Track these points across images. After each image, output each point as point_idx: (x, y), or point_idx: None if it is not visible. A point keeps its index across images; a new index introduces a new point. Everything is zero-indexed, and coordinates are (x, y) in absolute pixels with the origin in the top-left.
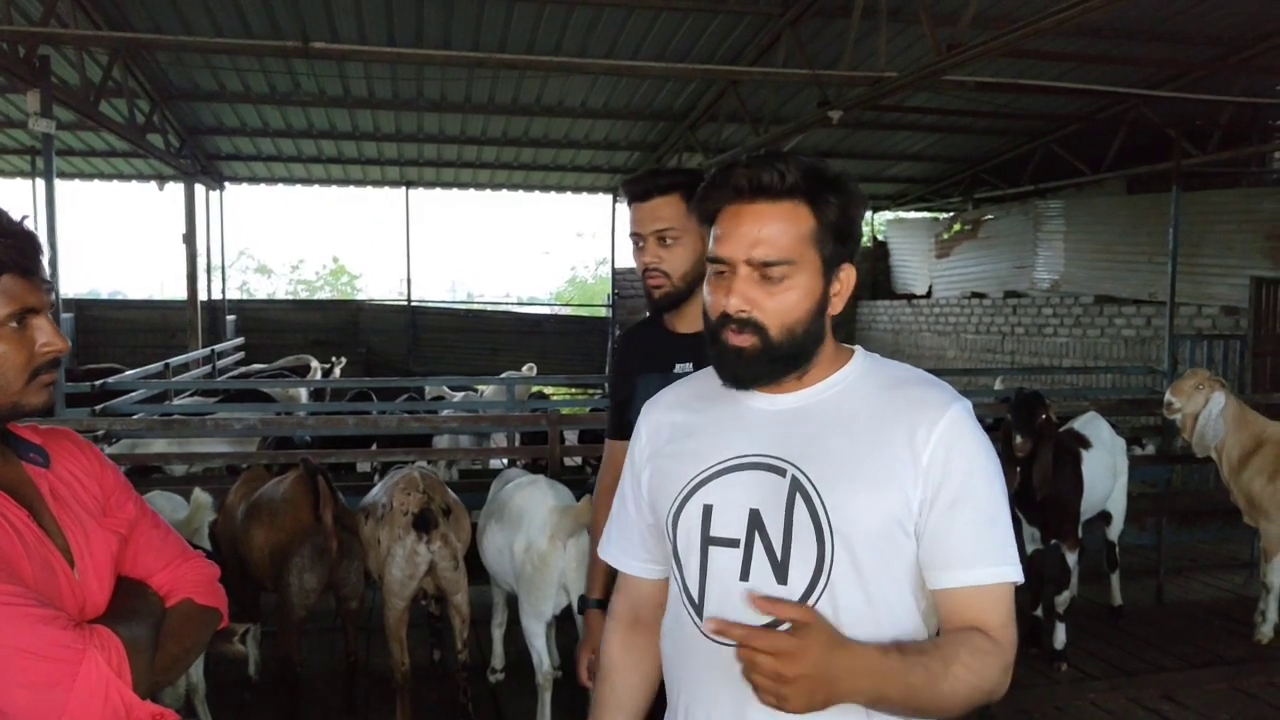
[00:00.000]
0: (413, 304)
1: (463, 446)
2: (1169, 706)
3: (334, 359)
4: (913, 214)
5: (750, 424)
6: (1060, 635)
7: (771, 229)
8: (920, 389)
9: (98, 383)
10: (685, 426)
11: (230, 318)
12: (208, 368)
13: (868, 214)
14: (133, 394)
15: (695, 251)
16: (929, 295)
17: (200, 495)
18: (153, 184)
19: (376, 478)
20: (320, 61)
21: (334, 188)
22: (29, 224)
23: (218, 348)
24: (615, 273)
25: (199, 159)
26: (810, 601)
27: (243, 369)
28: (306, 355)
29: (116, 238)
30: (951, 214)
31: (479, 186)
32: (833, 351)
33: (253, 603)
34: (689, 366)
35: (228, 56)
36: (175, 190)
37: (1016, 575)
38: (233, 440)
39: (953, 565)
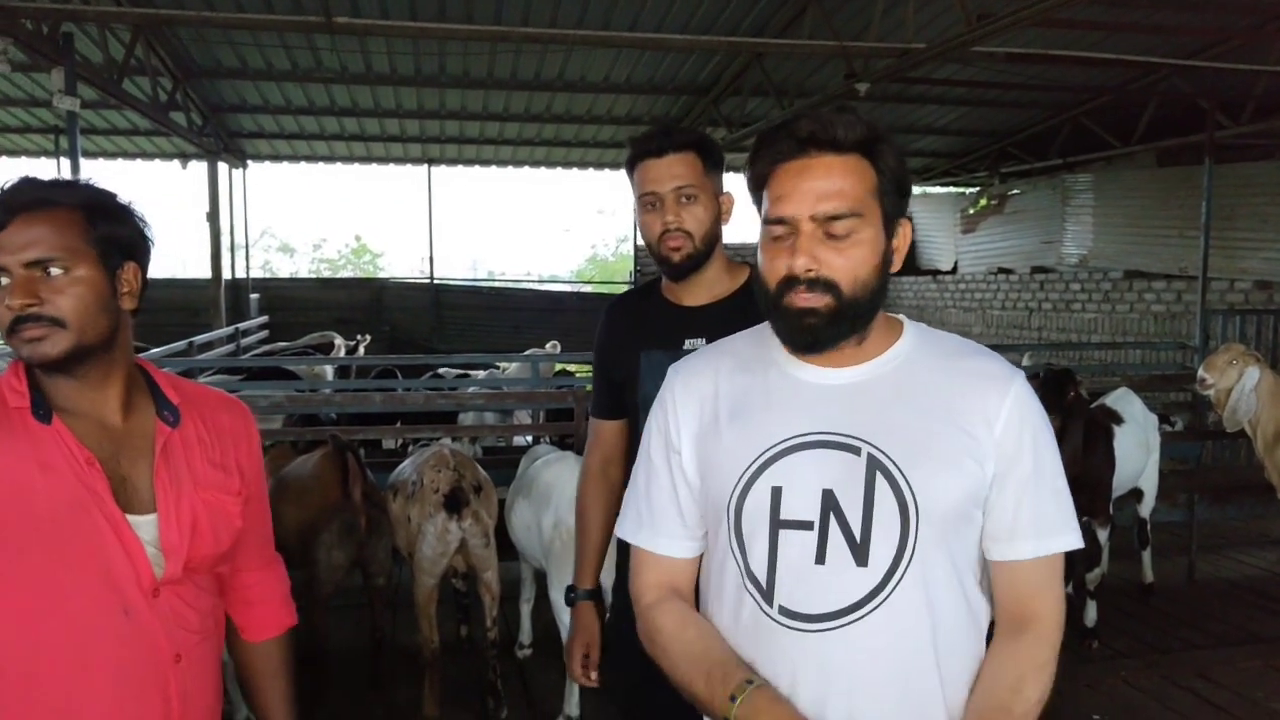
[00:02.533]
0: (435, 282)
1: (488, 423)
2: (1202, 684)
3: (358, 337)
4: (938, 189)
5: (809, 400)
6: (1091, 613)
7: (837, 182)
8: (978, 361)
9: None
10: (733, 402)
11: (254, 296)
12: (232, 346)
13: None
14: None
15: (712, 212)
16: (954, 271)
17: None
18: (176, 163)
19: (411, 448)
20: (342, 37)
21: (356, 165)
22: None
23: (241, 326)
24: (638, 249)
25: (222, 137)
26: (893, 583)
27: (266, 347)
28: (331, 332)
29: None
30: (978, 189)
31: (500, 164)
32: (884, 319)
33: None
34: (700, 342)
35: (250, 33)
36: (199, 169)
37: (1079, 540)
38: (260, 417)
39: (1022, 536)
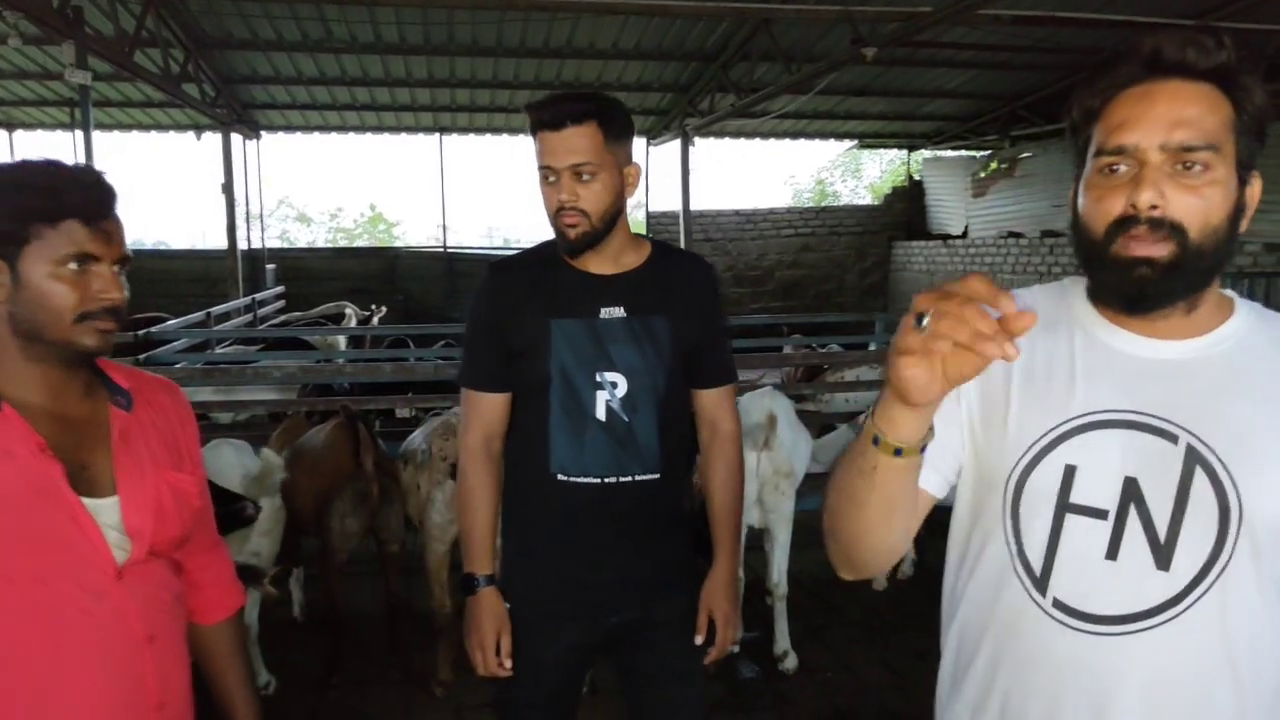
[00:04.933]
0: (449, 250)
1: None
2: None
3: (373, 307)
4: (949, 153)
5: (1122, 372)
6: None
7: (1193, 109)
8: None
9: (140, 332)
10: (1028, 365)
11: (270, 267)
12: (249, 316)
13: (902, 153)
14: (175, 343)
15: (612, 189)
16: (965, 235)
17: (271, 457)
18: (190, 134)
19: (425, 417)
20: (351, 7)
21: (368, 135)
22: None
23: (258, 296)
24: (650, 216)
25: (235, 108)
26: (1196, 594)
27: (283, 318)
28: (344, 303)
29: (160, 188)
30: (989, 152)
31: (512, 131)
32: (1216, 293)
33: (295, 547)
34: (618, 311)
35: (259, 3)
36: (213, 140)
37: None
38: (275, 388)
39: None
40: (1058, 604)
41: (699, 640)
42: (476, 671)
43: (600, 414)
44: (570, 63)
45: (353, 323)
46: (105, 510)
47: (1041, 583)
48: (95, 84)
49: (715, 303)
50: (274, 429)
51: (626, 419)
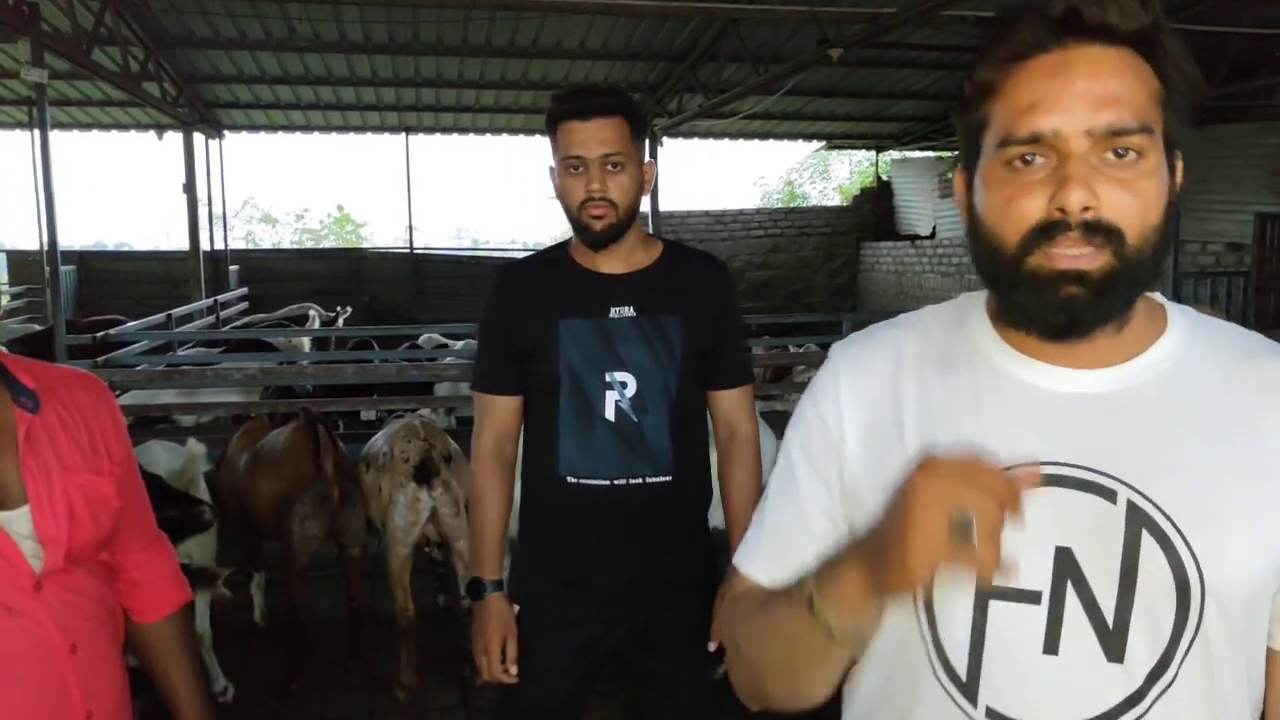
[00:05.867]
0: (415, 252)
1: (464, 394)
2: None
3: (338, 308)
4: (917, 154)
5: (1043, 414)
6: None
7: (1119, 83)
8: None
9: (99, 334)
10: (929, 407)
11: (233, 268)
12: (211, 318)
13: (870, 154)
14: (135, 345)
15: (637, 182)
16: (933, 236)
17: (194, 446)
18: (151, 134)
19: (389, 419)
20: (314, 5)
21: (334, 135)
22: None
23: (220, 298)
24: None
25: (197, 108)
26: (1159, 688)
27: (246, 320)
28: (308, 304)
29: (121, 188)
30: (956, 153)
31: (479, 131)
32: (1144, 300)
33: (256, 551)
34: (627, 310)
35: (221, 1)
36: (175, 140)
37: None
38: (239, 390)
39: None
40: (992, 714)
41: (712, 647)
42: (481, 676)
43: (609, 414)
44: (537, 62)
45: (317, 324)
46: (17, 520)
47: (970, 690)
48: (52, 82)
49: (729, 303)
50: (236, 432)
51: (636, 420)
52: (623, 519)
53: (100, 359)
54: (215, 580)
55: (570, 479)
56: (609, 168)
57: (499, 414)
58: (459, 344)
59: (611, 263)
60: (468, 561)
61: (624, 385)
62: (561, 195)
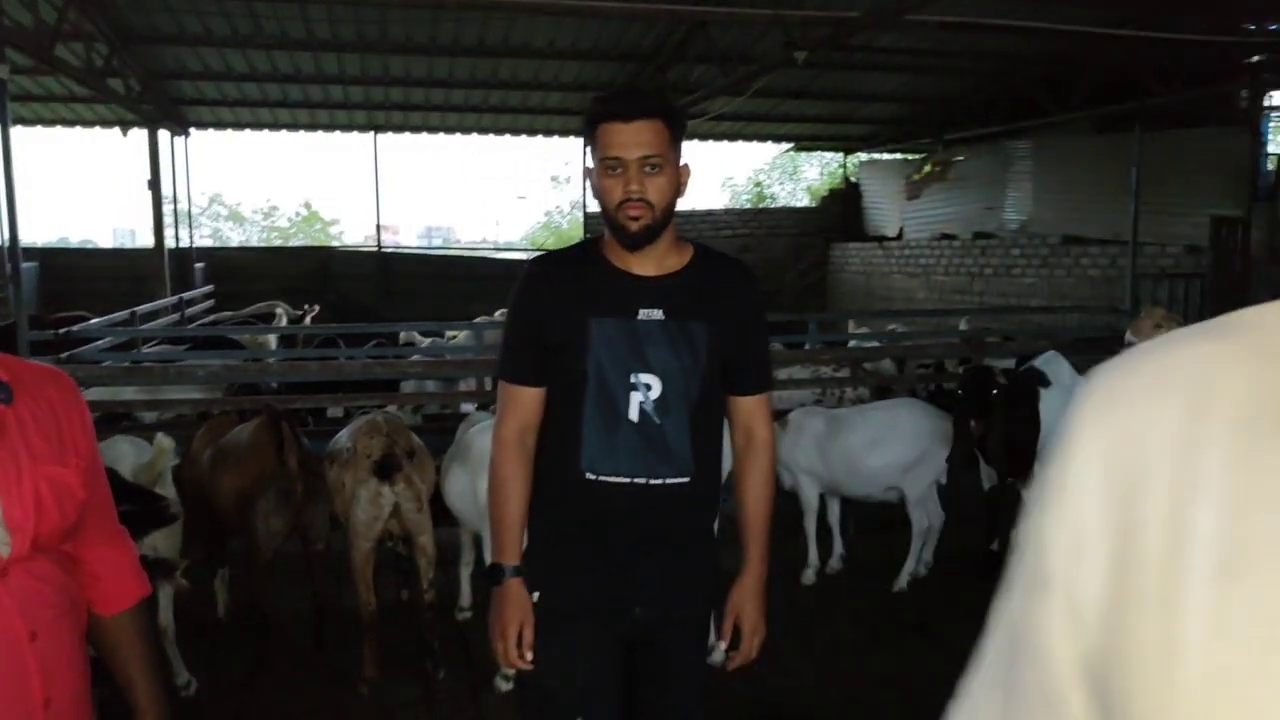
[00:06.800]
0: (384, 250)
1: (429, 391)
2: None
3: (306, 306)
4: (885, 156)
5: None
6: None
7: None
8: None
9: (61, 330)
10: (1248, 504)
11: (198, 265)
12: (176, 316)
13: (839, 155)
14: (99, 342)
15: (674, 184)
16: (900, 237)
17: (162, 440)
18: (116, 130)
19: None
20: (281, 3)
21: (301, 133)
22: None
23: (186, 296)
24: (588, 216)
25: (162, 104)
26: None
27: (212, 318)
28: (275, 302)
29: (86, 185)
30: (923, 155)
31: (448, 130)
32: None
33: (220, 546)
34: (657, 313)
35: None
36: (140, 137)
37: None
38: (203, 387)
39: None
40: None
41: (723, 646)
42: (498, 661)
43: (633, 414)
44: (506, 62)
45: (284, 322)
46: None
47: None
48: (14, 77)
49: (755, 310)
50: (200, 428)
51: (658, 421)
52: (640, 517)
53: (63, 355)
54: (173, 571)
55: (590, 475)
56: (647, 169)
57: (523, 405)
58: (426, 341)
59: (644, 264)
60: (430, 556)
61: (648, 387)
62: (599, 195)
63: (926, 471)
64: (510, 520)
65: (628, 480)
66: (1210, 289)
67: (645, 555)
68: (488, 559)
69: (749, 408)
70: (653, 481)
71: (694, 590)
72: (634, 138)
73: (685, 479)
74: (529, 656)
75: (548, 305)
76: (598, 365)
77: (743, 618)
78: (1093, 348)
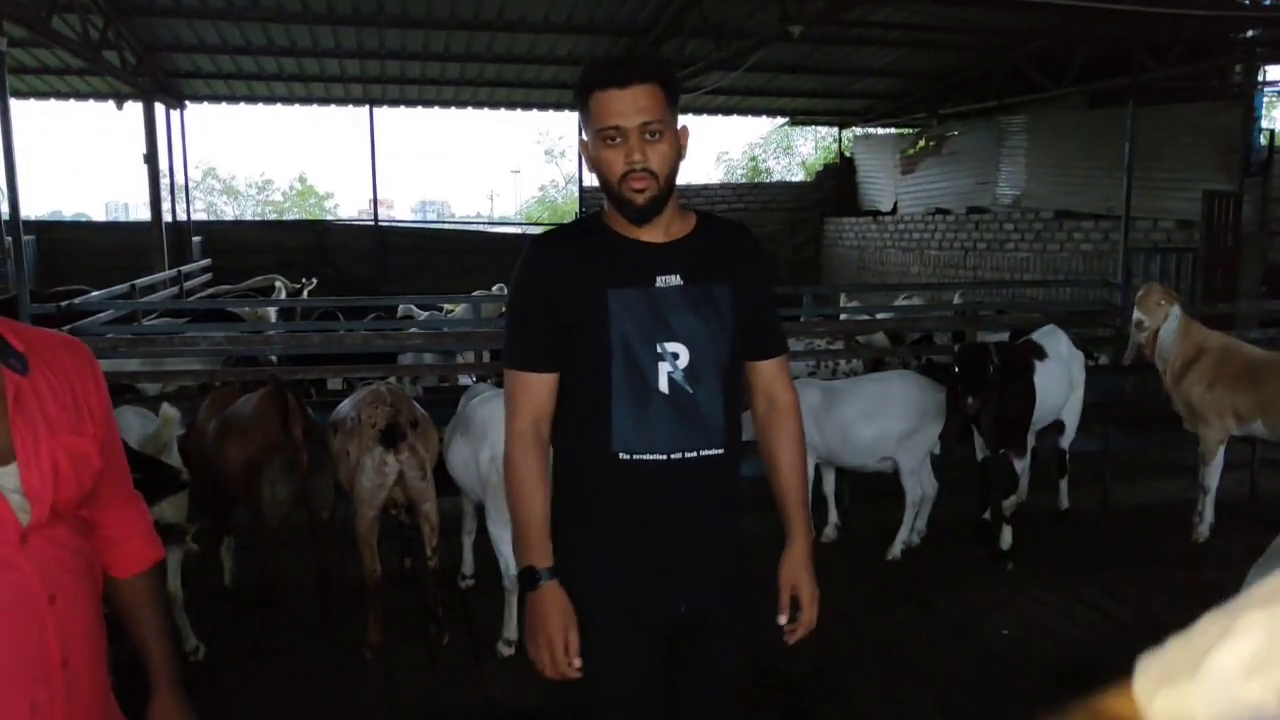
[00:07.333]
0: (380, 224)
1: (427, 364)
2: (1106, 600)
3: (303, 280)
4: (879, 130)
5: None
6: (1006, 537)
7: None
8: None
9: (63, 303)
10: None
11: (196, 239)
12: (175, 289)
13: (833, 130)
14: (99, 315)
15: (675, 149)
16: (894, 212)
17: (168, 410)
18: (111, 103)
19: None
20: None
21: (297, 106)
22: None
23: (184, 269)
24: (583, 190)
25: (158, 77)
26: None
27: (211, 290)
28: (274, 275)
29: (83, 158)
30: (917, 130)
31: (444, 104)
32: None
33: (226, 516)
34: (675, 279)
35: None
36: (135, 109)
37: None
38: (204, 359)
39: None
40: None
41: (782, 620)
42: (544, 674)
43: (663, 386)
44: (501, 35)
45: (283, 295)
46: (5, 476)
47: None
48: (11, 50)
49: (766, 272)
50: (203, 400)
51: (690, 390)
52: (678, 494)
53: (65, 328)
54: (184, 536)
55: (624, 455)
56: (648, 136)
57: (536, 393)
58: (424, 315)
59: (653, 232)
60: (433, 524)
61: (676, 356)
62: (598, 169)
63: (921, 442)
64: (536, 519)
65: (664, 457)
66: (1202, 263)
67: (686, 541)
68: (490, 529)
69: (770, 371)
70: (688, 455)
71: (734, 578)
72: (632, 104)
73: (720, 450)
74: (577, 664)
75: (559, 284)
76: (622, 338)
77: (800, 587)
78: (1085, 321)
